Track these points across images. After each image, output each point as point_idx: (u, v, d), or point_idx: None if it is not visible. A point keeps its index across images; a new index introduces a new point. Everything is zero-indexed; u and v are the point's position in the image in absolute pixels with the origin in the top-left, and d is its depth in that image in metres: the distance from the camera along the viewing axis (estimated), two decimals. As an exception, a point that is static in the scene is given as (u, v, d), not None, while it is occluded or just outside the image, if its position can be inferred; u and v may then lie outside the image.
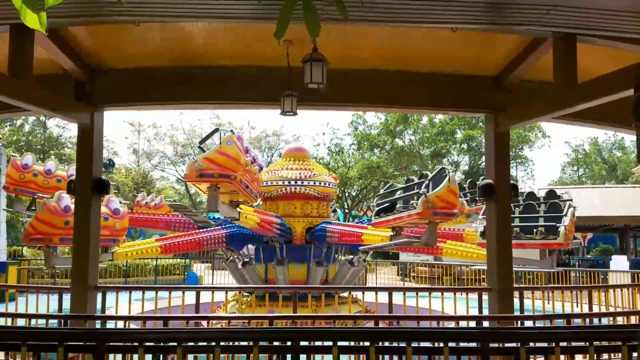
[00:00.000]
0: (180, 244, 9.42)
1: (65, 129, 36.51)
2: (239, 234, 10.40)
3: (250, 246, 11.74)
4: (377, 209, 7.85)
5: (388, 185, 8.79)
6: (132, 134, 37.86)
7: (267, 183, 11.28)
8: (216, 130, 7.06)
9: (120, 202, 7.95)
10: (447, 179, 6.61)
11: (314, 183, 11.15)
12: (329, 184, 11.45)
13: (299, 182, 11.11)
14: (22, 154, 8.88)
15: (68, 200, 6.86)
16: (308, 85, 4.98)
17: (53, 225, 6.68)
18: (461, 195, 10.61)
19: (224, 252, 11.79)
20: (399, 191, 7.79)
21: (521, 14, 4.50)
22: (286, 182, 11.15)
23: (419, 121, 31.87)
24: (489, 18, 4.58)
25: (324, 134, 63.68)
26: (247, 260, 11.04)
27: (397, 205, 7.44)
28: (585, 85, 5.03)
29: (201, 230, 10.17)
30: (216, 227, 10.54)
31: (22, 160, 8.23)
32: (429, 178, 6.94)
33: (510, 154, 7.60)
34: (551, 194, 8.65)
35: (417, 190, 6.81)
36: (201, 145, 7.29)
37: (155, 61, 6.13)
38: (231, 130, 6.98)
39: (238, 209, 7.59)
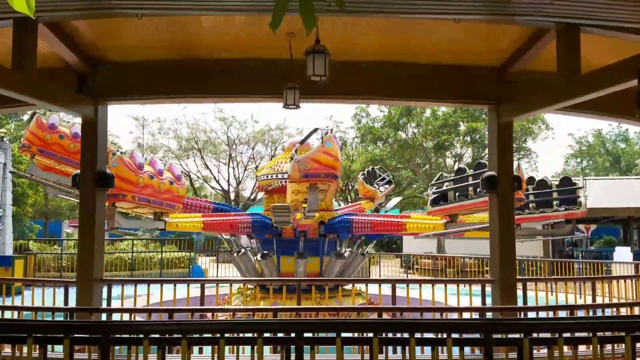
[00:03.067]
0: (218, 222, 9.89)
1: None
2: (261, 222, 10.54)
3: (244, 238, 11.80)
4: (431, 198, 8.63)
5: (438, 175, 9.52)
6: (137, 128, 37.82)
7: (264, 177, 11.35)
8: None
9: (182, 171, 7.94)
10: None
11: None
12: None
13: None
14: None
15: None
16: (310, 77, 4.96)
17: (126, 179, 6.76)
18: (376, 184, 11.43)
19: (234, 244, 11.83)
20: (447, 183, 8.63)
21: (524, 4, 4.48)
22: (279, 176, 11.15)
23: (422, 114, 31.71)
24: (491, 8, 4.56)
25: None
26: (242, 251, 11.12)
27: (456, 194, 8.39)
28: (589, 76, 5.00)
29: (232, 213, 10.38)
30: (242, 213, 10.83)
31: (49, 120, 7.49)
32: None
33: (514, 146, 7.60)
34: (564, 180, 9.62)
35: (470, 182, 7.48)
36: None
37: (158, 54, 6.12)
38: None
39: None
